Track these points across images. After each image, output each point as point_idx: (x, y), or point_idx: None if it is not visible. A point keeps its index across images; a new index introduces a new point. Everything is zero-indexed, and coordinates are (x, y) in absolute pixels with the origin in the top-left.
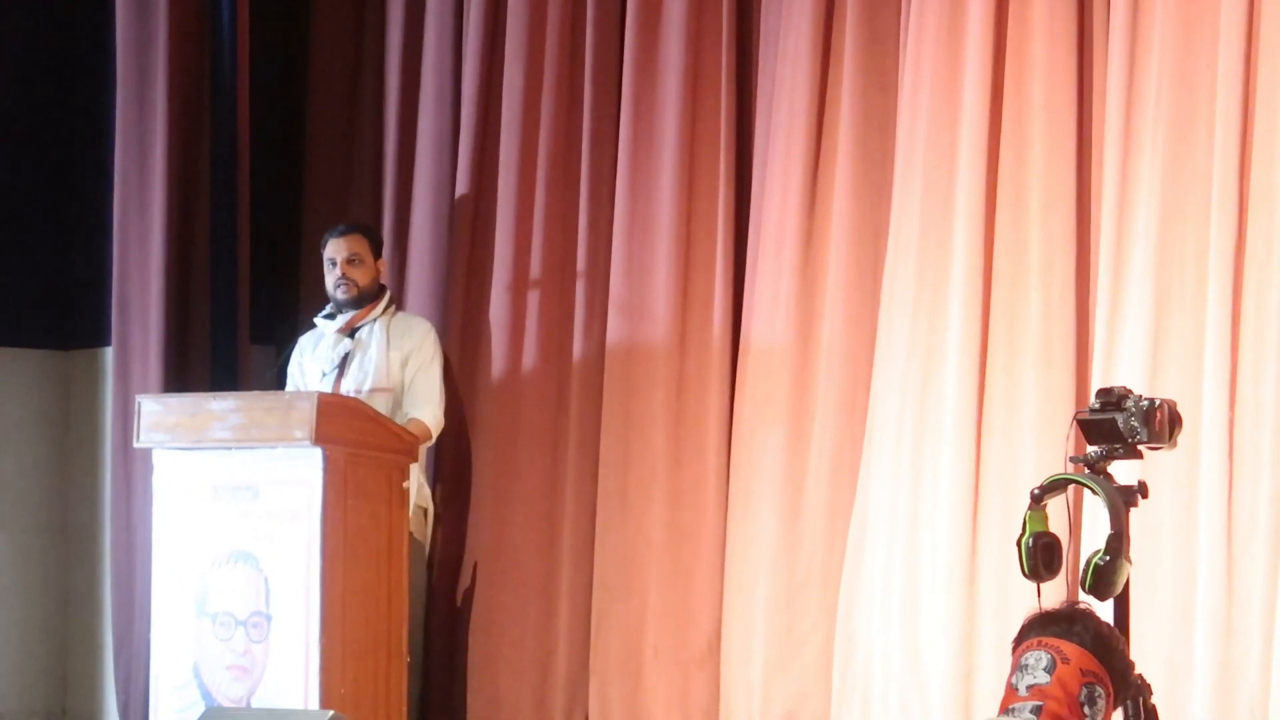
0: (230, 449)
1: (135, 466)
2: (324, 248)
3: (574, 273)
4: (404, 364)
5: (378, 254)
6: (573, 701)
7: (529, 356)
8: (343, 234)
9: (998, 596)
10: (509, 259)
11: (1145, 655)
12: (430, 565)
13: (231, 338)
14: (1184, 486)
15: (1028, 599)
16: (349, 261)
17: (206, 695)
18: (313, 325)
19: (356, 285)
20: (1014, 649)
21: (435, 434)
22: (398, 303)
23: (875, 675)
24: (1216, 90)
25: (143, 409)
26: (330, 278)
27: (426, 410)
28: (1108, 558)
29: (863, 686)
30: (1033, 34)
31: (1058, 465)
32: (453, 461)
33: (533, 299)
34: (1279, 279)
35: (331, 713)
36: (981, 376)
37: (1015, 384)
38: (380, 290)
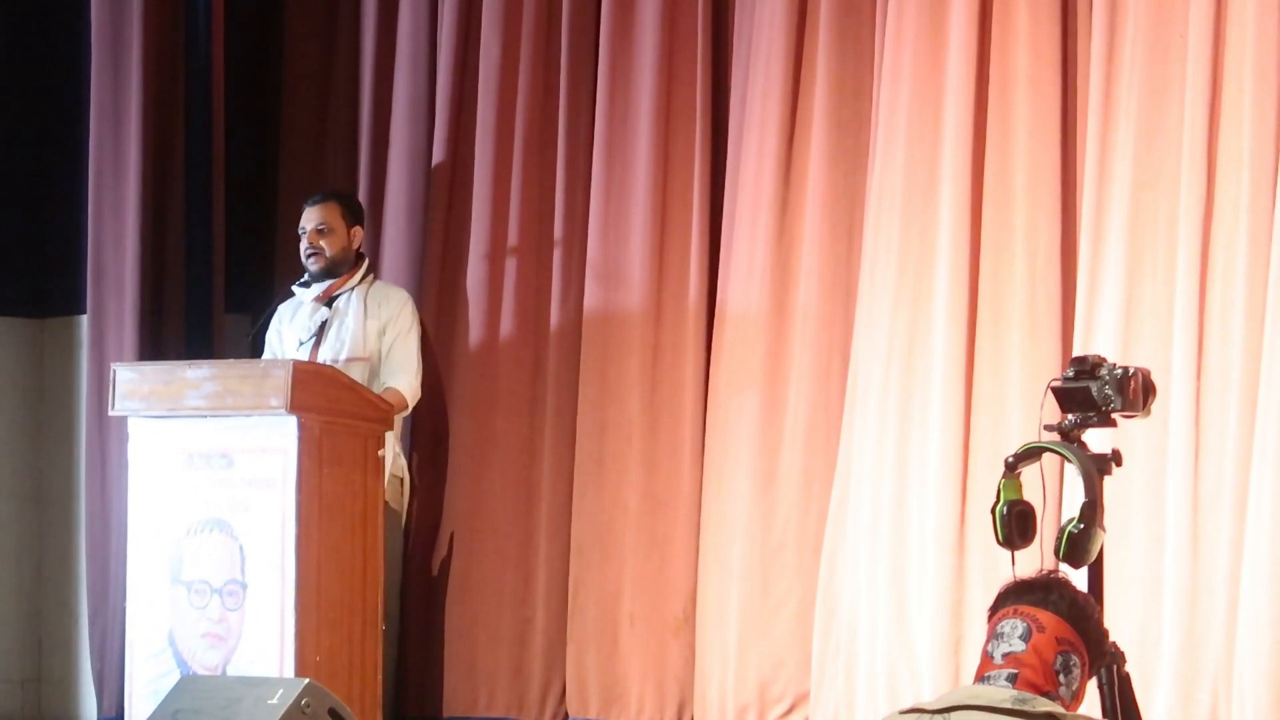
0: (205, 417)
1: (110, 434)
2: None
3: (551, 240)
4: (381, 333)
5: (354, 222)
6: (550, 669)
7: (506, 324)
8: (315, 203)
9: (987, 564)
10: (486, 226)
11: (1118, 621)
12: (407, 534)
13: (207, 306)
14: (1153, 453)
15: (1019, 566)
16: (318, 231)
17: (181, 663)
18: (290, 293)
19: (324, 255)
20: (990, 617)
21: (411, 403)
22: (374, 271)
23: (860, 642)
24: (1187, 59)
25: (118, 377)
26: (301, 247)
27: (403, 379)
28: (1082, 525)
29: (846, 653)
30: (1016, 3)
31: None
32: (430, 430)
33: (510, 266)
34: (1246, 246)
35: (307, 680)
36: (970, 344)
37: (1001, 351)
38: (358, 259)
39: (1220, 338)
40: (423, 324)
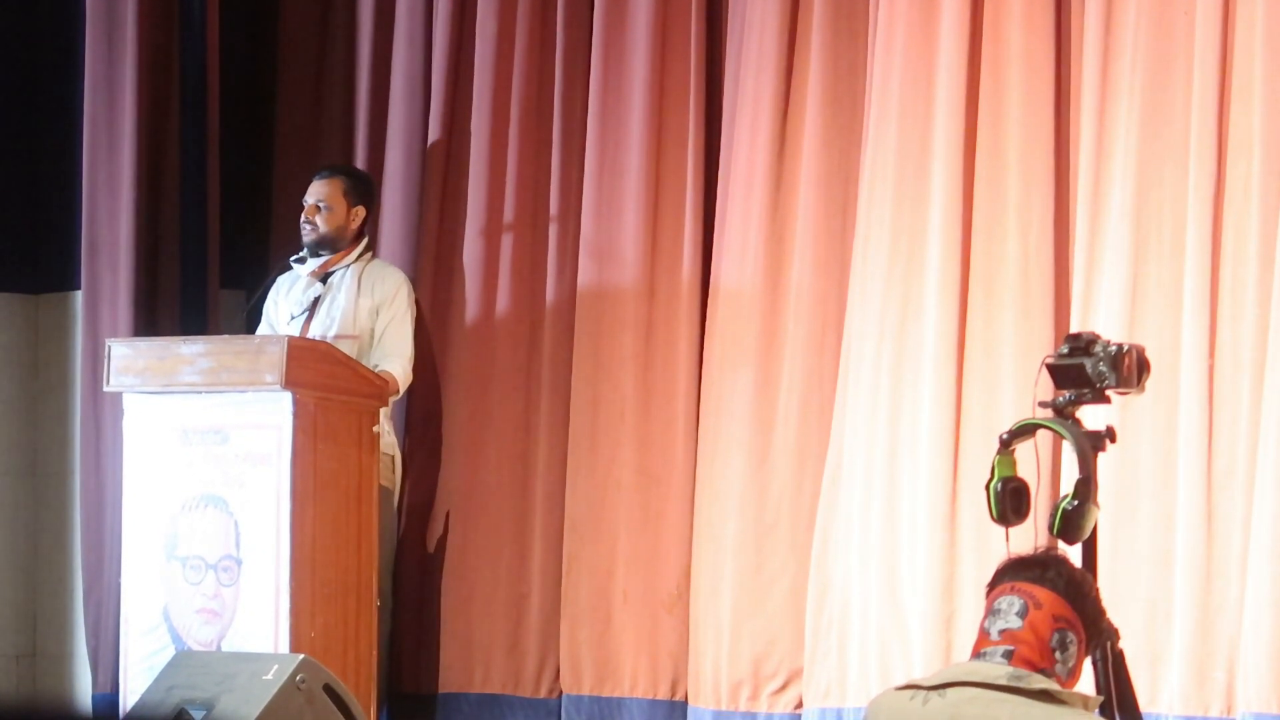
0: (200, 393)
1: (105, 410)
2: None
3: (546, 217)
4: (373, 313)
5: (356, 202)
6: (545, 645)
7: (502, 301)
8: (321, 177)
9: (978, 541)
10: (482, 203)
11: (1125, 597)
12: (400, 511)
13: (201, 282)
14: (1163, 432)
15: (1013, 543)
16: (316, 207)
17: (177, 638)
18: (288, 266)
19: (317, 231)
20: (987, 593)
21: (403, 388)
22: (372, 249)
23: (852, 618)
24: (1194, 35)
25: (112, 353)
26: (301, 218)
27: (396, 364)
28: (1076, 502)
29: (839, 629)
30: None
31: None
32: (423, 408)
33: (506, 243)
34: (1257, 226)
35: (302, 656)
36: (962, 320)
37: (994, 327)
38: (357, 237)
39: (1232, 316)
40: (418, 304)
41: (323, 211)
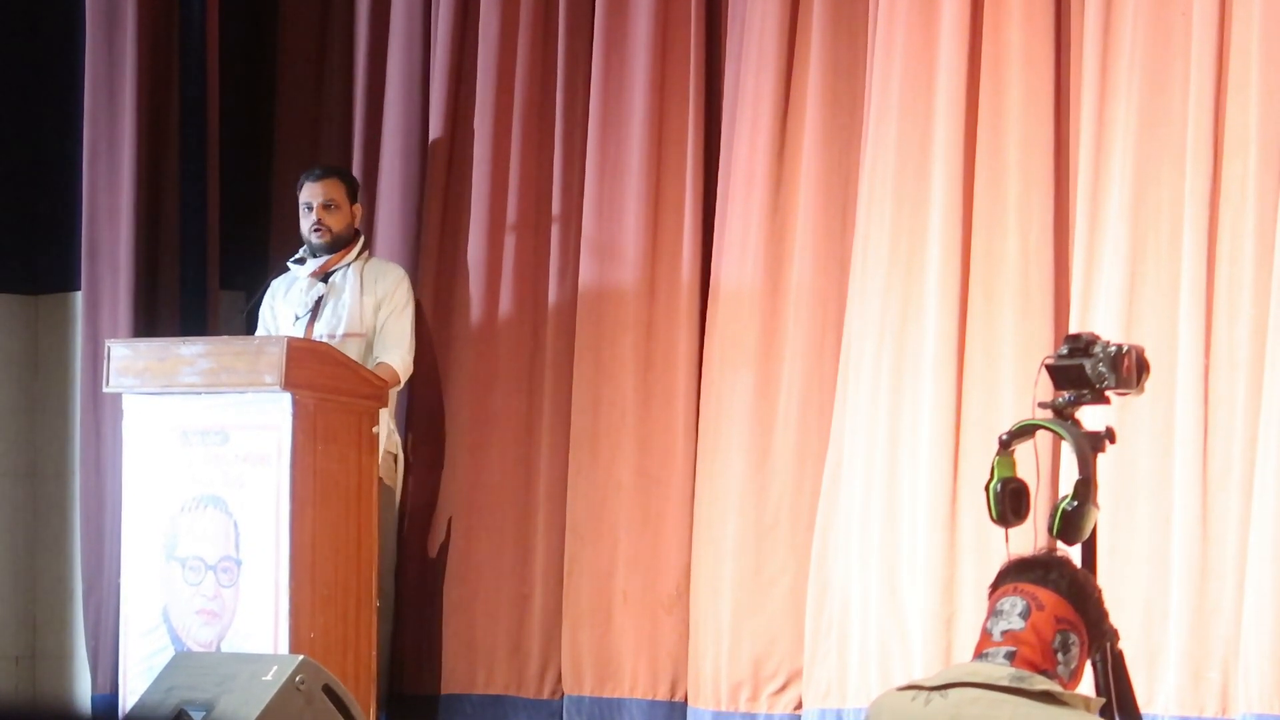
0: (200, 393)
1: (105, 411)
2: (300, 190)
3: (549, 217)
4: (377, 309)
5: (354, 199)
6: (548, 646)
7: (504, 301)
8: (319, 178)
9: (978, 542)
10: (484, 203)
11: (1122, 598)
12: (402, 511)
13: (201, 283)
14: (1159, 432)
15: (1013, 544)
16: (325, 207)
17: (176, 639)
18: (284, 269)
19: (331, 231)
20: (990, 594)
21: (404, 379)
22: (369, 247)
23: (852, 619)
24: (1191, 35)
25: (112, 353)
26: (305, 222)
27: (395, 354)
28: (1075, 503)
29: (839, 630)
30: None
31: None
32: (425, 407)
33: (508, 243)
34: (1254, 225)
35: (301, 657)
36: (962, 320)
37: (994, 327)
38: (355, 235)
39: (1228, 316)
40: (418, 302)
41: (332, 211)
